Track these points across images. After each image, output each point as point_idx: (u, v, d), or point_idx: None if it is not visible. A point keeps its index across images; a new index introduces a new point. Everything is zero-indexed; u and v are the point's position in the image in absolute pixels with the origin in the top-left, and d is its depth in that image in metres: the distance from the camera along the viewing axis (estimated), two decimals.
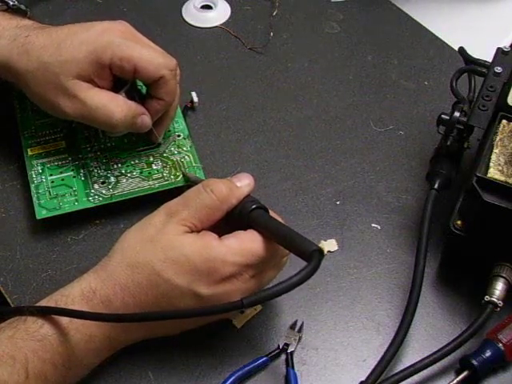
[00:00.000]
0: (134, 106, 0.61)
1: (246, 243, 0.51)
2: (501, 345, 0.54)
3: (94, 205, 0.61)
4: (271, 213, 0.54)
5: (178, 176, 0.63)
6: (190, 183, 0.61)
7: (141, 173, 0.64)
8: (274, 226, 0.52)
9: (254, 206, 0.53)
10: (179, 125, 0.67)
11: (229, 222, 0.53)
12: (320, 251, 0.49)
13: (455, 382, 0.54)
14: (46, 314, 0.50)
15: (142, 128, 0.62)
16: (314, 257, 0.49)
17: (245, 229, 0.53)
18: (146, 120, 0.62)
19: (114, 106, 0.60)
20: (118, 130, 0.62)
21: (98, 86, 0.60)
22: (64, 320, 0.50)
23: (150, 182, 0.63)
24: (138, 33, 0.62)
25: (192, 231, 0.52)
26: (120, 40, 0.60)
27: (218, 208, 0.53)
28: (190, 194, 0.54)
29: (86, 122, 0.61)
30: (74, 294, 0.51)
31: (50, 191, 0.62)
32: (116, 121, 0.60)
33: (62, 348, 0.50)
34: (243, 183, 0.54)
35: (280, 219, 0.54)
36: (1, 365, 0.47)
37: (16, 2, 0.65)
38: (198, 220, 0.52)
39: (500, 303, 0.54)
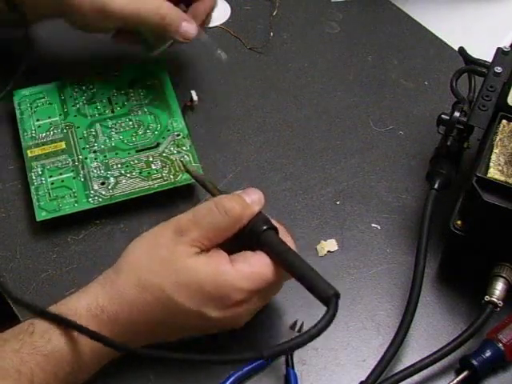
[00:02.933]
0: (180, 11, 0.65)
1: (257, 268, 0.51)
2: (501, 345, 0.54)
3: (93, 206, 0.61)
4: (281, 230, 0.54)
5: (178, 176, 0.63)
6: (193, 179, 0.61)
7: (140, 173, 0.64)
8: (289, 258, 0.52)
9: (265, 227, 0.53)
10: (178, 124, 0.67)
11: (236, 237, 0.53)
12: (337, 295, 0.49)
13: (455, 382, 0.54)
14: (68, 326, 0.50)
15: (187, 34, 0.65)
16: (331, 302, 0.49)
17: (253, 247, 0.53)
18: (191, 27, 0.65)
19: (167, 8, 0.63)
20: (167, 30, 0.64)
21: None
22: (73, 333, 0.50)
23: (150, 182, 0.63)
24: None
25: (202, 251, 0.52)
26: None
27: (231, 229, 0.52)
28: (202, 211, 0.53)
29: (135, 21, 0.64)
30: (81, 310, 0.51)
31: (49, 193, 0.62)
32: (165, 14, 0.63)
33: (67, 359, 0.50)
34: (253, 199, 0.54)
35: (290, 238, 0.54)
36: (6, 378, 0.47)
37: None
38: (209, 240, 0.52)
39: (500, 303, 0.54)
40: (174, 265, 0.51)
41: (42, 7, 0.65)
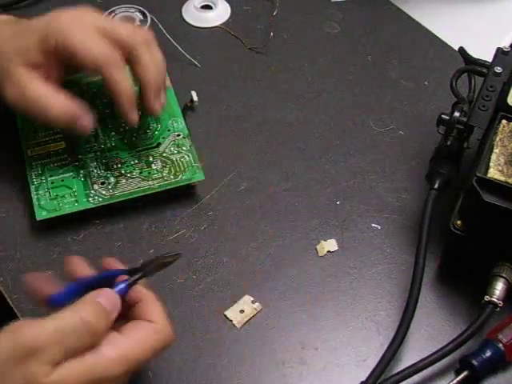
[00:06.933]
0: (75, 106, 0.60)
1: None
2: (501, 345, 0.54)
3: (93, 205, 0.61)
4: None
5: (178, 176, 0.63)
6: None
7: (140, 173, 0.64)
8: None
9: None
10: (179, 124, 0.67)
11: None
12: None
13: (455, 382, 0.54)
14: None
15: (82, 130, 0.61)
16: None
17: None
18: (86, 122, 0.61)
19: (52, 101, 0.59)
20: (56, 126, 0.63)
21: (50, 76, 0.60)
22: None
23: (150, 182, 0.63)
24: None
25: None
26: (66, 26, 0.59)
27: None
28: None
29: (23, 112, 0.61)
30: None
31: (49, 192, 0.62)
32: (51, 116, 0.60)
33: None
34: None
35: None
36: None
37: None
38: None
39: (500, 303, 0.54)
40: None
41: None
